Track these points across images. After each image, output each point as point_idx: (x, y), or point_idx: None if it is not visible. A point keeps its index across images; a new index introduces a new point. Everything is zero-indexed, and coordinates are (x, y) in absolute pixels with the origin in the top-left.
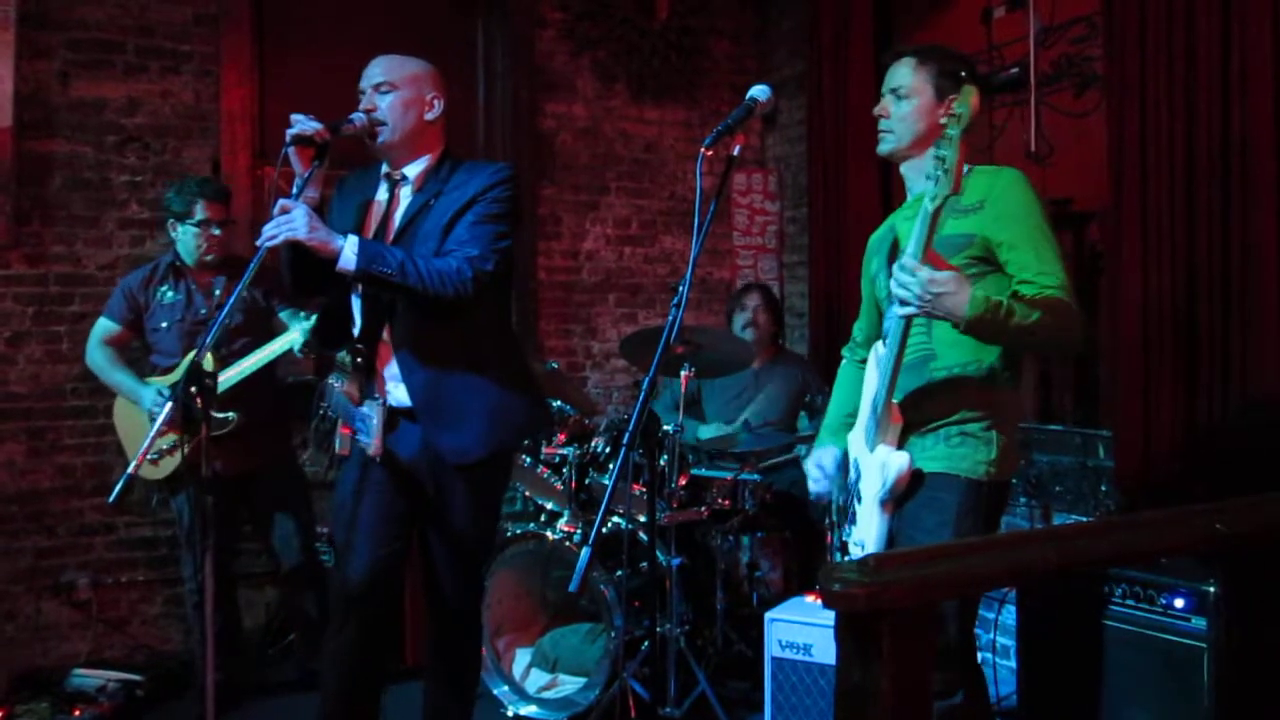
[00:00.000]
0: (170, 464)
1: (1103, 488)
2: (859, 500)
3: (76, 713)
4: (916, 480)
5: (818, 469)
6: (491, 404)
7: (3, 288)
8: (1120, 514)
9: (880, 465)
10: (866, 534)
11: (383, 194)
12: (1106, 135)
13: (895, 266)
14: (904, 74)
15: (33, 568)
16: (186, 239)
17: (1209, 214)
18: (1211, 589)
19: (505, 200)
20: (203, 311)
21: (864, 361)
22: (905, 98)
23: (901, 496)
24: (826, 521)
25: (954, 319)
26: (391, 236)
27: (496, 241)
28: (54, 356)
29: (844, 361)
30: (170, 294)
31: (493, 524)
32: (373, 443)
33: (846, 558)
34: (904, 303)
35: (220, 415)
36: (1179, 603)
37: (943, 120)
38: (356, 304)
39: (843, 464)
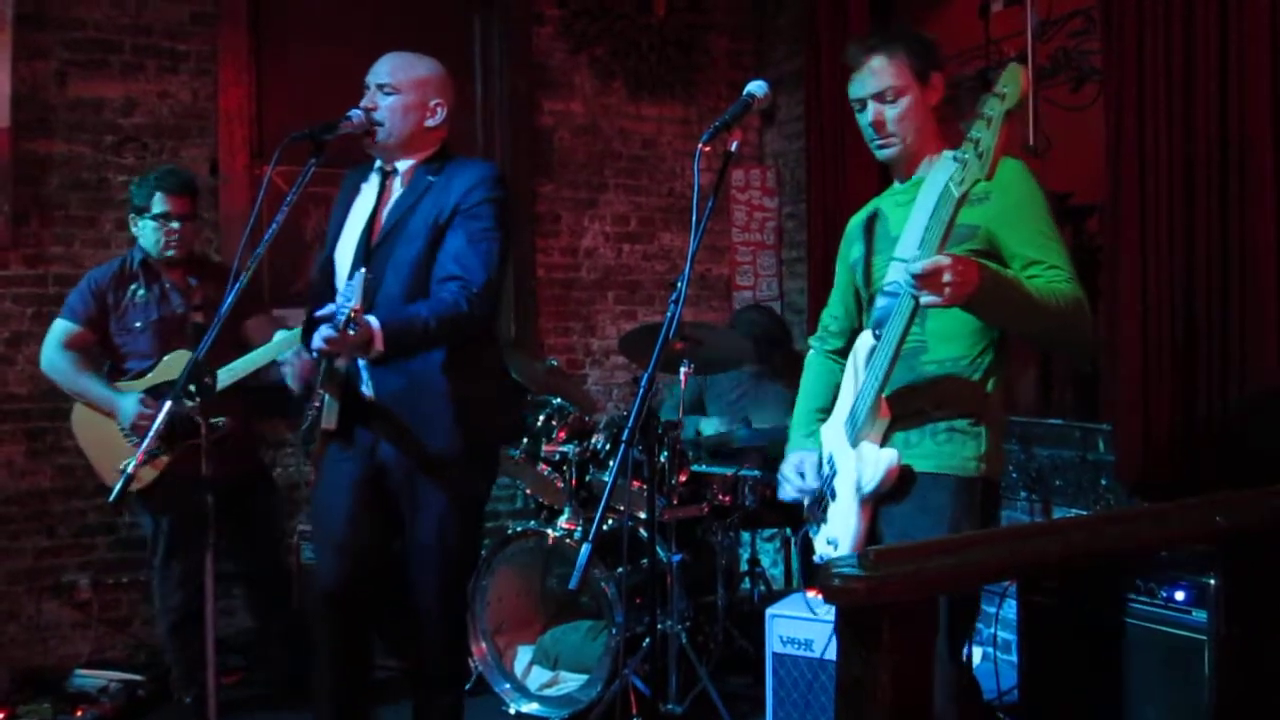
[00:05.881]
0: (149, 474)
1: (1103, 481)
2: (833, 497)
3: (78, 713)
4: (904, 478)
5: (797, 475)
6: (452, 410)
7: (1, 288)
8: (1120, 507)
9: (868, 462)
10: (841, 532)
11: (373, 187)
12: (1105, 129)
13: (908, 262)
14: (884, 73)
15: (33, 568)
16: (146, 233)
17: (1207, 207)
18: (1212, 582)
19: (492, 210)
20: (179, 310)
21: (835, 352)
22: (894, 100)
23: (886, 495)
24: None
25: (965, 296)
26: (378, 234)
27: (490, 265)
28: None
29: (812, 352)
30: (142, 292)
31: (470, 532)
32: (352, 306)
33: (816, 557)
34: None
35: (211, 420)
36: (1179, 596)
37: (982, 106)
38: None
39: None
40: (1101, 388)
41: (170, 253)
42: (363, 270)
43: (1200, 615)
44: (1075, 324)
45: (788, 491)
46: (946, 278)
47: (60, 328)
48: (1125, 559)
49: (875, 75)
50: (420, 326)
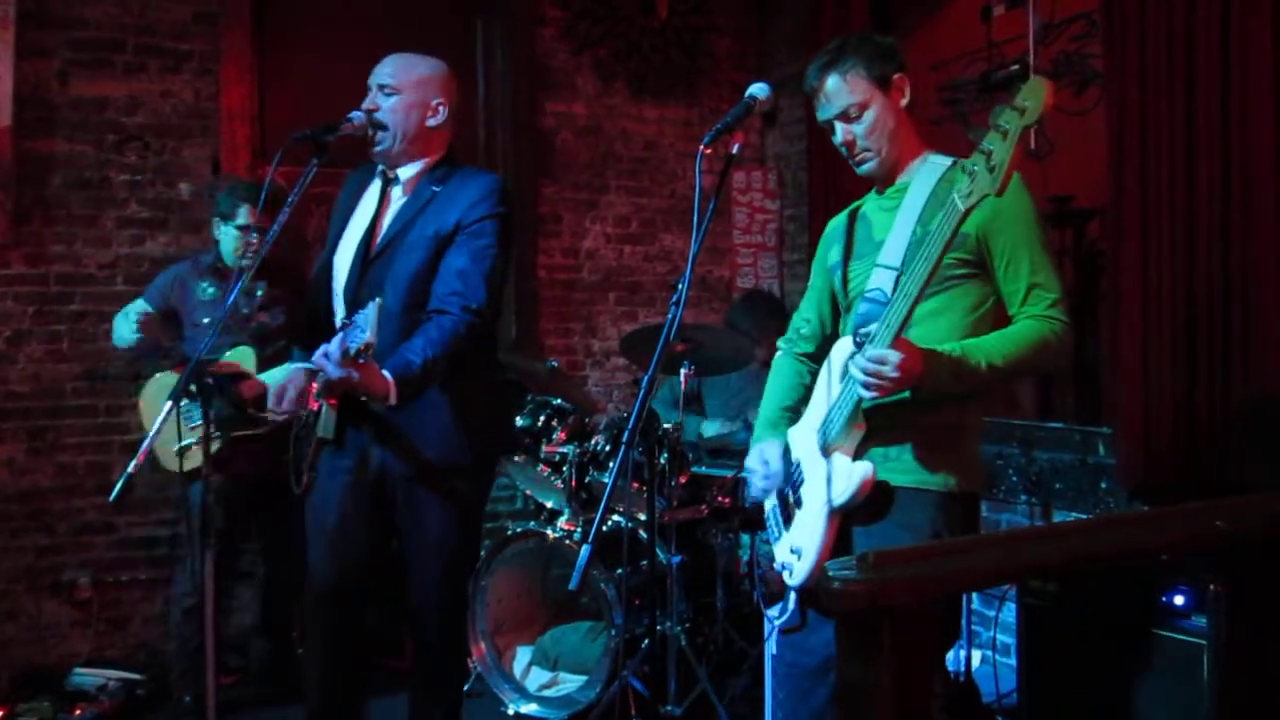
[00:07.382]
0: (198, 457)
1: (1103, 485)
2: (799, 505)
3: (77, 711)
4: (879, 493)
5: (762, 465)
6: (448, 419)
7: (3, 287)
8: (1121, 511)
9: (840, 473)
10: (807, 542)
11: (373, 193)
12: (1106, 132)
13: (862, 355)
14: (840, 94)
15: (33, 567)
16: (226, 240)
17: (1209, 211)
18: (1212, 586)
19: (495, 226)
20: (243, 311)
21: (805, 355)
22: (859, 116)
23: (859, 509)
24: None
25: (905, 387)
26: (378, 243)
27: (491, 282)
28: (54, 356)
29: (780, 354)
30: (211, 290)
31: (467, 536)
32: (367, 336)
33: (776, 565)
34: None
35: (259, 416)
36: (1179, 600)
37: (998, 118)
38: (340, 310)
39: (785, 460)
40: (1102, 391)
41: (245, 260)
42: (377, 300)
43: (1200, 619)
44: (1048, 364)
45: (756, 485)
46: (888, 371)
47: (137, 304)
48: (1125, 563)
49: (831, 99)
50: (432, 370)
